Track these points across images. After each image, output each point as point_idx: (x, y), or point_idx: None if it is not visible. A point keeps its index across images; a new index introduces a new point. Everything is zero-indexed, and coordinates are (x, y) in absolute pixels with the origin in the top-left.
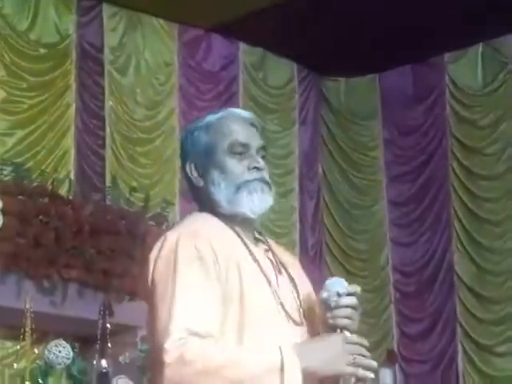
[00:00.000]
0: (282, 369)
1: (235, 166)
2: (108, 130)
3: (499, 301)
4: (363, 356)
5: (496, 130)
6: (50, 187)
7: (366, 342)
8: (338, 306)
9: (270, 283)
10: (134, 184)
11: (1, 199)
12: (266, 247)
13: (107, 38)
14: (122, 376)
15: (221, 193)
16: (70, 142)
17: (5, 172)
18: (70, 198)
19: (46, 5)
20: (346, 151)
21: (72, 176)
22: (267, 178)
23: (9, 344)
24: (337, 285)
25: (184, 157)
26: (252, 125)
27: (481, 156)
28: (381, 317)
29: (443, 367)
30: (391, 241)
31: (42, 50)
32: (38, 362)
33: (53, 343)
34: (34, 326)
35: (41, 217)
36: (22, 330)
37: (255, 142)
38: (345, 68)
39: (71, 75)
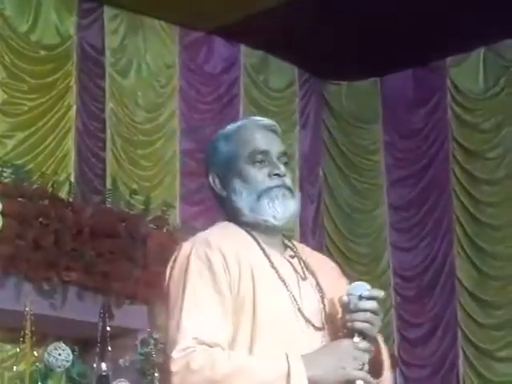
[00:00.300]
0: (288, 377)
1: (256, 173)
2: (109, 132)
3: (500, 306)
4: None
5: (498, 134)
6: (50, 189)
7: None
8: (356, 310)
9: (287, 288)
10: (135, 186)
11: (0, 201)
12: (292, 253)
13: (108, 40)
14: (122, 379)
15: (243, 201)
16: (70, 144)
17: (5, 174)
18: (70, 200)
19: (47, 7)
20: (347, 155)
21: (72, 178)
22: (289, 183)
23: (8, 347)
24: (359, 288)
25: (206, 167)
26: (272, 131)
27: (482, 160)
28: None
29: (444, 372)
30: (392, 245)
31: (43, 52)
32: (37, 364)
33: (52, 346)
34: (33, 329)
35: (41, 219)
36: (22, 333)
37: (275, 148)
38: (346, 71)
39: (72, 77)
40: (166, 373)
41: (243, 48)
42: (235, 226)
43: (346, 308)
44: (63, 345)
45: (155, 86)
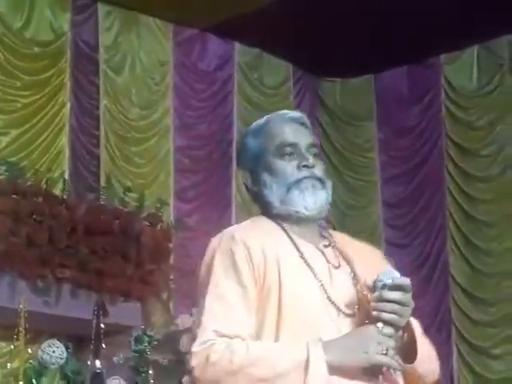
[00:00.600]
0: (306, 363)
1: (285, 166)
2: (102, 129)
3: (494, 302)
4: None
5: (491, 131)
6: (44, 186)
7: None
8: (380, 299)
9: (315, 277)
10: (129, 184)
11: None
12: (327, 243)
13: (102, 36)
14: (116, 376)
15: (273, 194)
16: (64, 141)
17: None
18: (64, 197)
19: (41, 3)
20: (341, 152)
21: (66, 175)
22: (319, 174)
23: (2, 344)
24: (386, 275)
25: (238, 163)
26: (301, 124)
27: (476, 157)
28: None
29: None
30: (386, 242)
31: (37, 49)
32: (31, 361)
33: (46, 343)
34: (27, 326)
35: (34, 216)
36: (16, 330)
37: (304, 140)
38: (340, 69)
39: (66, 74)
40: (189, 366)
41: (237, 45)
42: (266, 219)
43: (372, 295)
44: (57, 342)
45: (149, 83)
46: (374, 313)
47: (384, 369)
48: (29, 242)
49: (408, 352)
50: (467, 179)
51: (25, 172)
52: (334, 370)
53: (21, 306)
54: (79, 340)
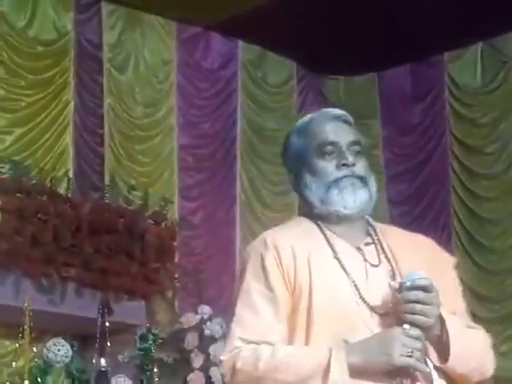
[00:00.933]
0: (327, 367)
1: (324, 166)
2: (106, 127)
3: (498, 300)
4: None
5: (495, 128)
6: (49, 185)
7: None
8: (404, 300)
9: (348, 277)
10: (133, 182)
11: None
12: (370, 240)
13: (106, 35)
14: (121, 375)
15: (313, 194)
16: (68, 139)
17: (3, 170)
18: (69, 196)
19: (44, 2)
20: None
21: (71, 174)
22: (359, 172)
23: (7, 342)
24: (408, 276)
25: (283, 162)
26: (344, 121)
27: (480, 155)
28: None
29: None
30: None
31: (41, 48)
32: (36, 360)
33: (51, 342)
34: (32, 325)
35: (39, 215)
36: (21, 329)
37: (345, 138)
38: (344, 67)
39: (69, 73)
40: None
41: (241, 44)
42: (305, 220)
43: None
44: (62, 340)
45: (153, 81)
46: (402, 314)
47: (411, 371)
48: (33, 241)
49: (443, 352)
50: (471, 177)
51: (29, 171)
52: (358, 373)
53: (25, 304)
54: (84, 338)
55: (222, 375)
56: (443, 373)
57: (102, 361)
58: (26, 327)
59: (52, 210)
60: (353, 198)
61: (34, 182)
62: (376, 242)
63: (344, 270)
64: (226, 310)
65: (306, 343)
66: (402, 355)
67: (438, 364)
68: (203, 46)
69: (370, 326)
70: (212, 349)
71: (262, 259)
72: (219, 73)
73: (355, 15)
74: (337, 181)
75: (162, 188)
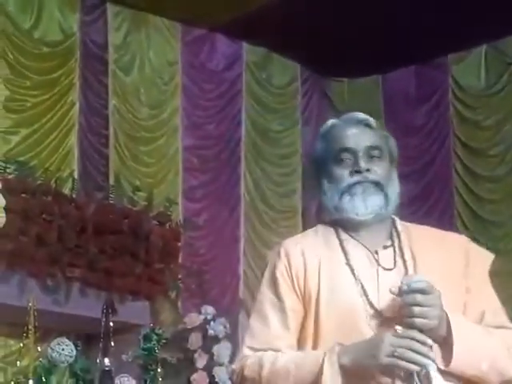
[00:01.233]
0: (321, 368)
1: (340, 172)
2: (111, 128)
3: (503, 303)
4: (412, 350)
5: (499, 131)
6: (54, 186)
7: (422, 337)
8: (403, 305)
9: (356, 280)
10: (138, 183)
11: (4, 197)
12: (389, 243)
13: (111, 36)
14: (125, 374)
15: (328, 201)
16: (73, 140)
17: (8, 170)
18: (74, 196)
19: (50, 3)
20: None
21: (75, 175)
22: (373, 177)
23: (12, 342)
24: (406, 280)
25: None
26: (365, 125)
27: (484, 157)
28: None
29: None
30: None
31: (46, 49)
32: (41, 359)
33: (56, 341)
34: (37, 324)
35: (44, 215)
36: (26, 328)
37: (363, 143)
38: (348, 69)
39: (75, 74)
40: None
41: (245, 45)
42: (324, 227)
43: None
44: (66, 340)
45: (158, 82)
46: (403, 318)
47: (398, 371)
48: (38, 241)
49: (448, 354)
50: (475, 179)
51: (34, 171)
52: (352, 374)
53: (30, 304)
54: (88, 338)
55: (233, 383)
56: (453, 375)
57: (106, 360)
58: (30, 327)
59: (57, 211)
60: (364, 205)
61: (39, 182)
62: (395, 244)
63: (354, 275)
64: (229, 311)
65: (314, 349)
66: (387, 355)
67: (441, 367)
68: (208, 47)
69: (376, 330)
70: (215, 349)
71: (275, 268)
72: (224, 74)
73: (360, 17)
74: (349, 187)
75: (166, 189)
